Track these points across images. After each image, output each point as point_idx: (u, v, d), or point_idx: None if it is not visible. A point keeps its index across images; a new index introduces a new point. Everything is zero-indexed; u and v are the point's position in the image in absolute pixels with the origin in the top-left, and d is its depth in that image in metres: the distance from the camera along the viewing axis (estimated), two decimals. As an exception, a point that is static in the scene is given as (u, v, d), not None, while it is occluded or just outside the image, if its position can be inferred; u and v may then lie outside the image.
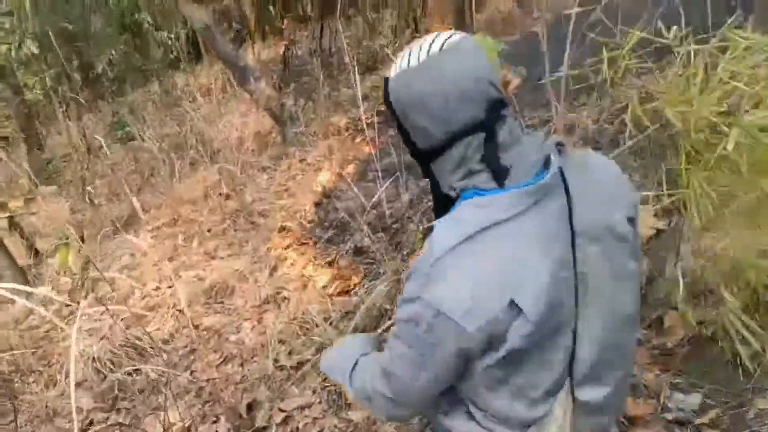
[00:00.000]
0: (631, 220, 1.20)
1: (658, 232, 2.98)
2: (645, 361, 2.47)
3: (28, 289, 4.72)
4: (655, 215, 3.03)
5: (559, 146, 1.17)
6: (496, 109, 1.08)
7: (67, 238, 6.69)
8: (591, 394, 1.21)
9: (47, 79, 8.17)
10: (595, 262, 1.13)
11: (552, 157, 1.12)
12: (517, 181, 1.09)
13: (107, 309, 4.00)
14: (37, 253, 6.87)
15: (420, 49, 1.11)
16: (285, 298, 4.40)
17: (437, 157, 1.16)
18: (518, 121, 1.17)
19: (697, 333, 2.42)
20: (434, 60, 1.08)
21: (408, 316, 1.14)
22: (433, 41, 1.11)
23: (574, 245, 1.11)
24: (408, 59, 1.12)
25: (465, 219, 1.10)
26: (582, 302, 1.13)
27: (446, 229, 1.10)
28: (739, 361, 2.30)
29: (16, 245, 6.57)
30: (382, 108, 7.15)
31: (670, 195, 2.34)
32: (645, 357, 2.48)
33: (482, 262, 1.06)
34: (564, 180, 1.13)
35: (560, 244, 1.10)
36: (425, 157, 1.20)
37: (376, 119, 6.68)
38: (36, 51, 6.83)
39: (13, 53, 6.31)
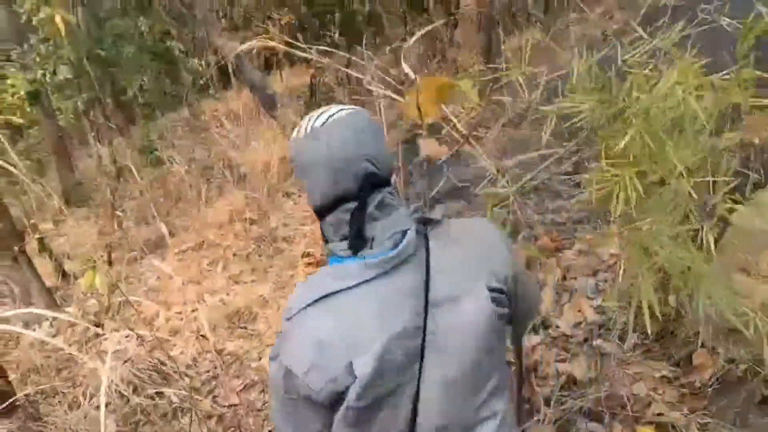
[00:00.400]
0: (499, 290, 1.22)
1: (688, 268, 2.94)
2: (673, 400, 2.42)
3: (48, 313, 4.82)
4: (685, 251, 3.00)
5: (427, 220, 1.26)
6: (369, 182, 1.18)
7: (95, 261, 6.81)
8: None
9: (80, 103, 8.35)
10: (449, 331, 1.16)
11: (409, 232, 1.19)
12: (379, 250, 1.17)
13: (135, 334, 4.03)
14: (65, 274, 6.96)
15: (310, 120, 1.23)
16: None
17: (322, 218, 1.26)
18: (396, 193, 1.27)
19: (728, 372, 2.37)
20: (319, 132, 1.20)
21: (270, 375, 1.23)
22: (321, 113, 1.23)
23: (426, 314, 1.15)
24: (300, 128, 1.25)
25: (317, 283, 1.18)
26: (428, 369, 1.15)
27: (300, 292, 1.19)
28: (771, 402, 2.25)
29: (45, 266, 6.66)
30: (407, 137, 7.20)
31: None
32: (673, 396, 2.43)
33: (325, 325, 1.13)
34: (427, 251, 1.19)
35: (407, 313, 1.14)
36: (317, 215, 1.28)
37: (401, 147, 6.71)
38: (70, 76, 6.97)
39: (47, 78, 6.46)
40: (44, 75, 6.48)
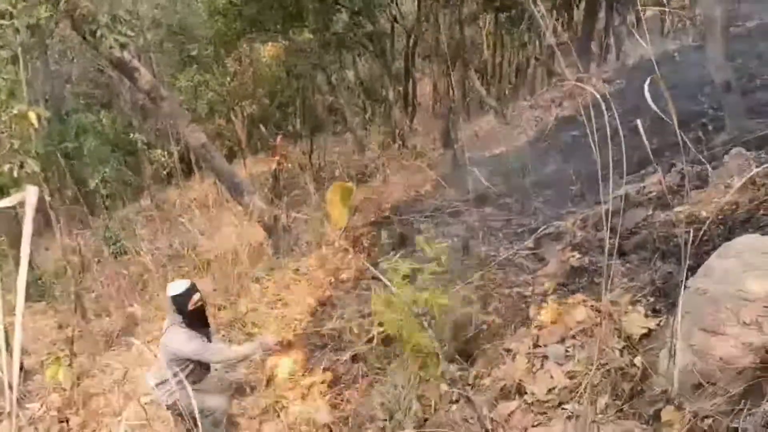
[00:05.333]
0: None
1: (649, 331, 3.12)
2: (647, 455, 2.53)
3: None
4: (646, 316, 3.18)
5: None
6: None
7: (58, 357, 6.65)
8: None
9: (46, 195, 8.36)
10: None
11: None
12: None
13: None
14: (23, 369, 6.76)
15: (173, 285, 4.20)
16: (283, 406, 4.39)
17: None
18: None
19: (695, 425, 2.50)
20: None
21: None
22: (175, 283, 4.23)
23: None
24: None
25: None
26: None
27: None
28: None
29: (5, 362, 6.47)
30: (374, 219, 7.42)
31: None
32: (646, 452, 2.54)
33: None
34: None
35: None
36: None
37: (368, 229, 6.91)
38: (37, 170, 7.03)
39: (15, 172, 6.51)
40: (11, 169, 6.50)
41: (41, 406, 5.91)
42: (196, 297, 4.08)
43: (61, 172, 12.80)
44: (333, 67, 11.67)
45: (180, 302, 4.02)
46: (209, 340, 4.21)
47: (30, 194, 1.11)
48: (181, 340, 3.99)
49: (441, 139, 8.23)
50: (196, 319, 4.10)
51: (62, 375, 6.29)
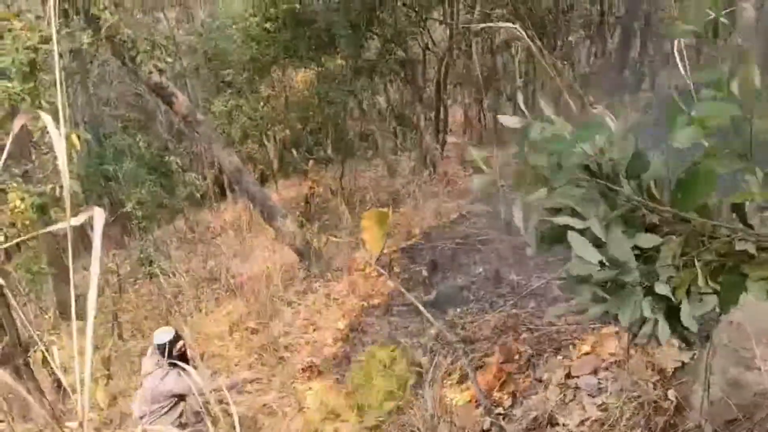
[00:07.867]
0: None
1: (683, 364, 3.12)
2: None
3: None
4: (679, 348, 3.18)
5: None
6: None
7: (96, 378, 6.80)
8: None
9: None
10: None
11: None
12: None
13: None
14: (61, 387, 6.93)
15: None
16: (315, 430, 4.45)
17: None
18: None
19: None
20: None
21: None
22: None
23: None
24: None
25: None
26: None
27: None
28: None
29: (44, 381, 6.66)
30: (404, 245, 7.48)
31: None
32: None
33: None
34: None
35: None
36: None
37: (398, 255, 6.97)
38: (78, 190, 7.28)
39: (57, 192, 6.75)
40: (53, 189, 6.75)
41: (79, 425, 6.04)
42: (179, 344, 4.30)
43: (99, 193, 13.15)
44: (364, 93, 11.83)
45: (167, 349, 4.21)
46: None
47: (97, 215, 1.19)
48: (172, 380, 4.15)
49: (473, 166, 8.29)
50: (180, 359, 4.27)
51: (99, 395, 6.45)
